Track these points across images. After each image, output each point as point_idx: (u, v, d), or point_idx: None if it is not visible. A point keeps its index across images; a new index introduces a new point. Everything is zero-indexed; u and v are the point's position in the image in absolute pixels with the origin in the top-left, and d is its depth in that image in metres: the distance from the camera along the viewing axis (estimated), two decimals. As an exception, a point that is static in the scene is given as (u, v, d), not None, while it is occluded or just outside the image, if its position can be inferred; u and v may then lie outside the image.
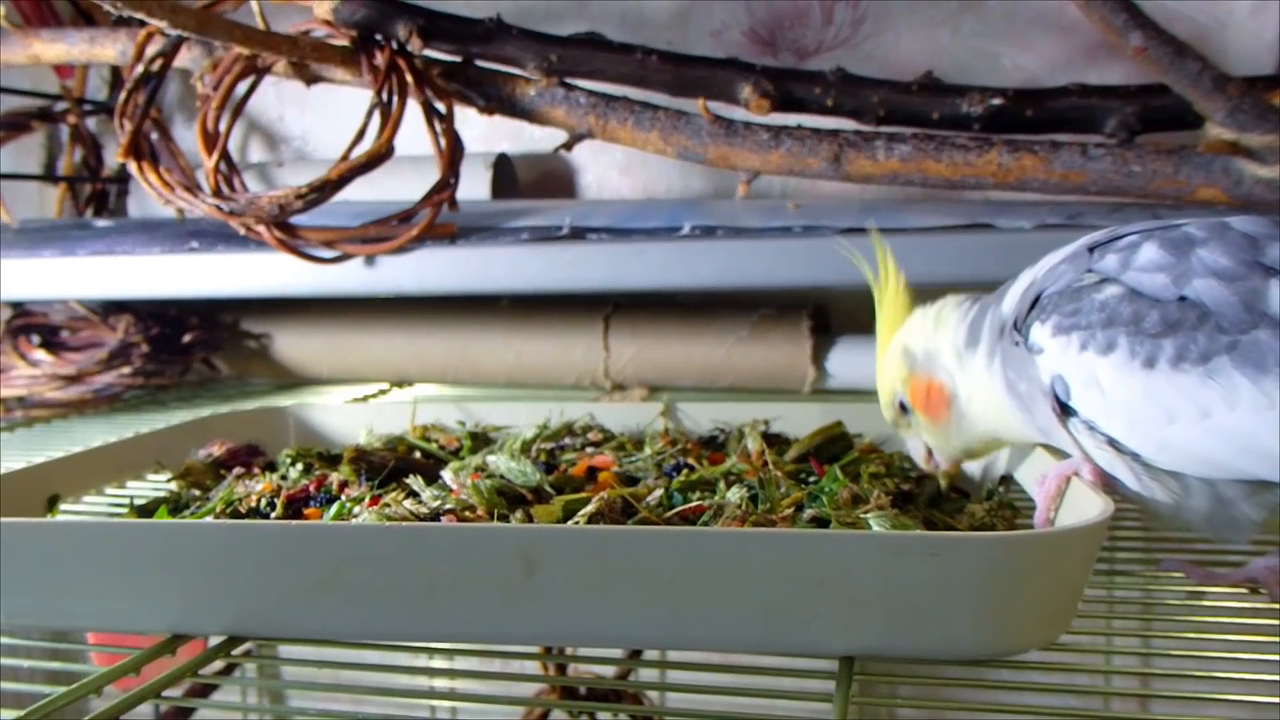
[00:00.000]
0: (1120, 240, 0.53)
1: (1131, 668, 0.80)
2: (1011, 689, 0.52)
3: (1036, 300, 0.54)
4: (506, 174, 1.17)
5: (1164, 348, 0.49)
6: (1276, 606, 0.54)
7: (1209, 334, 0.48)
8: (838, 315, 1.13)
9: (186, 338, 1.14)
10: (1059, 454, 0.58)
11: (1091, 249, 0.54)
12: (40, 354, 1.07)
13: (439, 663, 1.12)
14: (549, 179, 1.22)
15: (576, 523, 0.53)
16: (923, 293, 0.66)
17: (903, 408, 0.63)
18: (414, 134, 0.91)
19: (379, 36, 0.89)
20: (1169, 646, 0.54)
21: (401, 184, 1.00)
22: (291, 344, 1.17)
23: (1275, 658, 0.49)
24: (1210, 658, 0.51)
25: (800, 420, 0.78)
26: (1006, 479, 0.67)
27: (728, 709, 0.47)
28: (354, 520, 0.56)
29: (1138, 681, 0.98)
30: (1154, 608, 0.57)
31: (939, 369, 0.61)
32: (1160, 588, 0.59)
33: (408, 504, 0.56)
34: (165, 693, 0.48)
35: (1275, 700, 0.47)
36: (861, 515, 0.53)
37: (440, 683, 1.13)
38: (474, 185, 1.09)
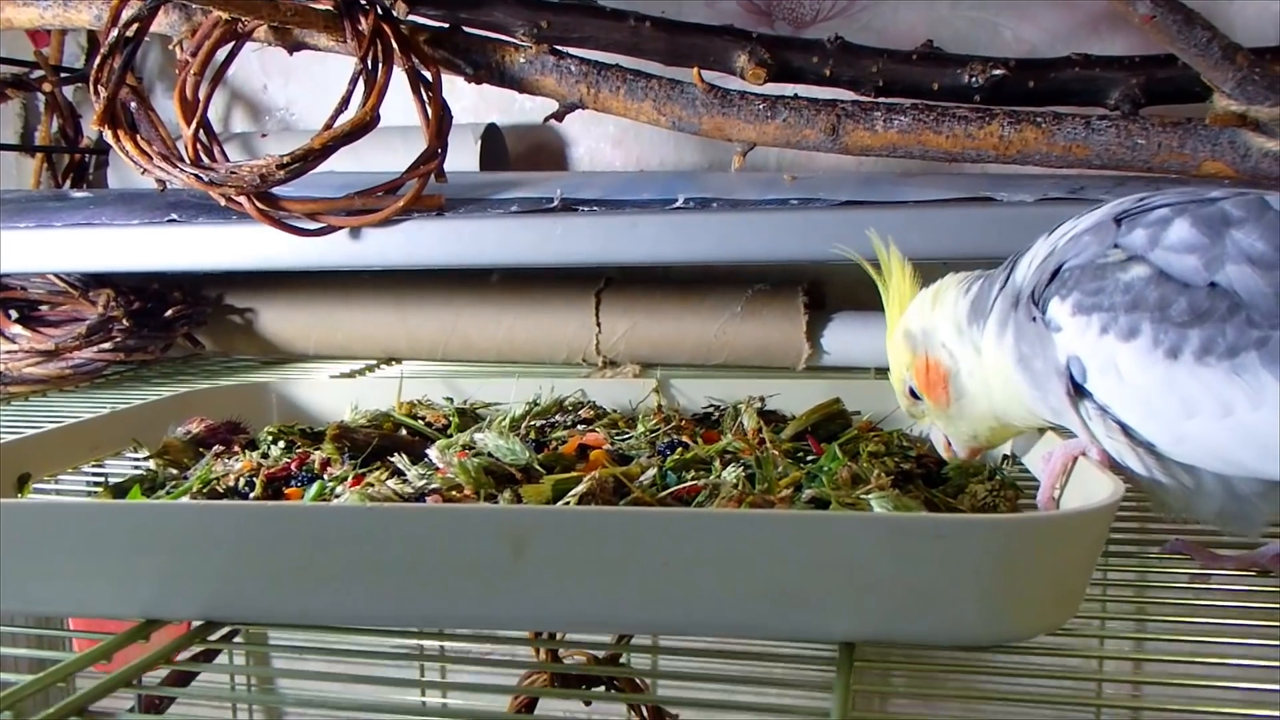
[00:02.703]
0: (1150, 213, 0.50)
1: (1125, 652, 0.79)
2: (1002, 673, 0.51)
3: (1056, 273, 0.52)
4: (496, 145, 1.14)
5: (1190, 338, 0.46)
6: (1273, 590, 0.53)
7: (1239, 327, 0.45)
8: (833, 291, 1.11)
9: (169, 312, 1.11)
10: (1067, 435, 0.57)
11: (1119, 220, 0.51)
12: (18, 329, 1.05)
13: (429, 645, 1.11)
14: (540, 151, 1.19)
15: (566, 503, 0.51)
16: (922, 268, 0.65)
17: (914, 394, 0.62)
18: (402, 104, 0.88)
19: (363, 0, 0.86)
20: (1163, 631, 0.53)
21: (390, 155, 0.98)
22: (277, 319, 1.15)
23: (1271, 643, 0.48)
24: (1205, 642, 0.50)
25: (796, 397, 0.76)
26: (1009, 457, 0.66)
27: (719, 696, 0.45)
28: (335, 500, 0.54)
29: (1130, 666, 0.96)
30: (1148, 590, 0.56)
31: (935, 346, 0.59)
32: (1154, 570, 0.58)
33: (392, 484, 0.54)
34: (143, 679, 0.46)
35: (1270, 687, 0.45)
36: (862, 496, 0.51)
37: (431, 667, 1.11)
38: (463, 157, 1.07)
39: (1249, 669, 0.47)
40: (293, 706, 1.19)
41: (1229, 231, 0.47)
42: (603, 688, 0.80)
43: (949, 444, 0.64)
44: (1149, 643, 0.53)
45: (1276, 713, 0.42)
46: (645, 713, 0.84)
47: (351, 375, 1.06)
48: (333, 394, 0.81)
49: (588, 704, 0.87)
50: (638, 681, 0.81)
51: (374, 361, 1.13)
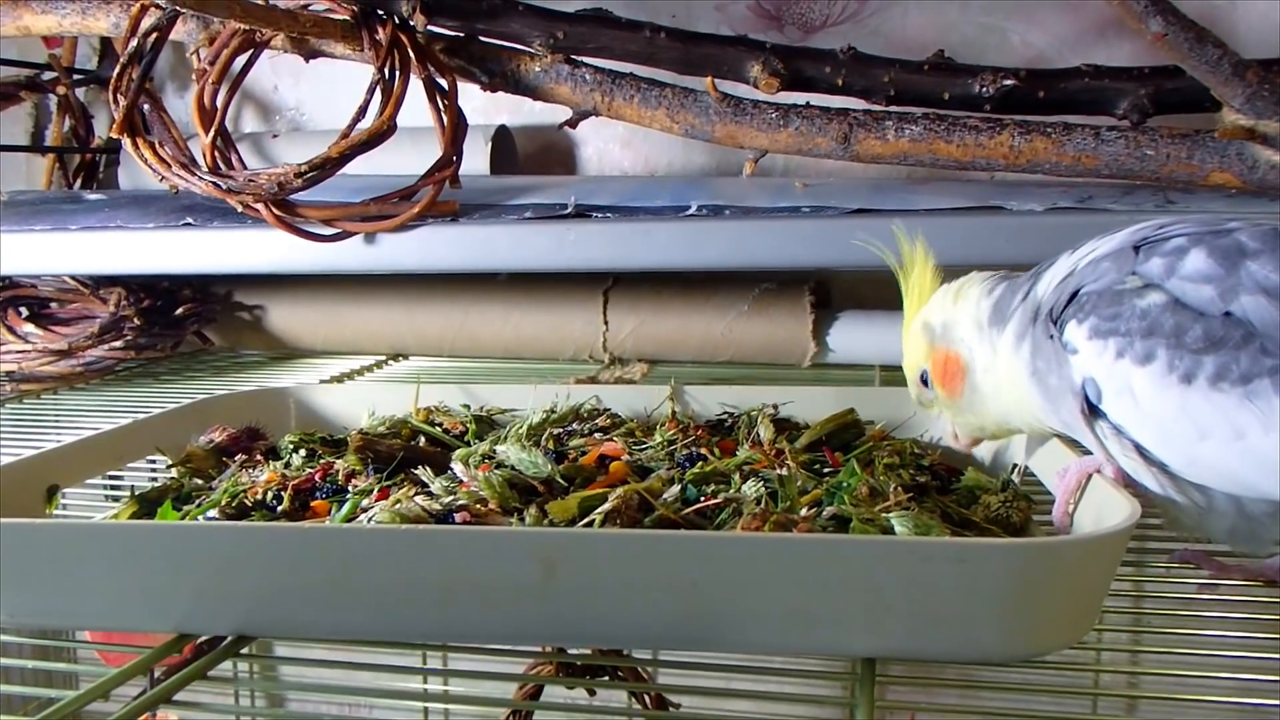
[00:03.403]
0: (1168, 242, 0.51)
1: (1120, 665, 0.80)
2: (996, 689, 0.52)
3: (1075, 295, 0.53)
4: (506, 147, 1.15)
5: (1204, 365, 0.47)
6: (1270, 601, 0.54)
7: (1252, 355, 0.47)
8: (839, 290, 1.13)
9: (179, 310, 1.12)
10: (1076, 446, 0.58)
11: (1137, 247, 0.52)
12: (30, 327, 1.05)
13: (434, 662, 1.12)
14: (548, 152, 1.20)
15: (592, 521, 0.52)
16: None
17: (925, 383, 0.63)
18: (413, 106, 0.89)
19: (380, 11, 0.87)
20: (1159, 644, 0.54)
21: (400, 156, 0.98)
22: (285, 316, 1.16)
23: (1269, 656, 0.49)
24: (1200, 654, 0.51)
25: (807, 403, 0.77)
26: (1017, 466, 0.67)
27: (721, 711, 0.46)
28: (365, 516, 0.55)
29: (1125, 680, 0.97)
30: (1144, 601, 0.57)
31: (955, 340, 0.60)
32: (1151, 580, 0.59)
33: (419, 500, 0.55)
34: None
35: (1270, 702, 0.47)
36: (882, 514, 0.52)
37: (434, 682, 1.12)
38: (473, 158, 1.07)
39: (1245, 683, 0.49)
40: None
41: (1244, 263, 0.48)
42: (605, 677, 0.81)
43: (955, 433, 0.65)
44: (1144, 655, 0.54)
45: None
46: (648, 701, 0.85)
47: (361, 371, 1.07)
48: (349, 399, 0.82)
49: (592, 694, 0.88)
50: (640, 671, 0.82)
51: (382, 357, 1.14)
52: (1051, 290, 0.55)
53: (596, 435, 0.72)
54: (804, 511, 0.53)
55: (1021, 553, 0.44)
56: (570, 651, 0.60)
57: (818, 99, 0.90)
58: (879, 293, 1.10)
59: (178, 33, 0.91)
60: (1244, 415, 0.47)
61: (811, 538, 0.48)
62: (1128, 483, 0.53)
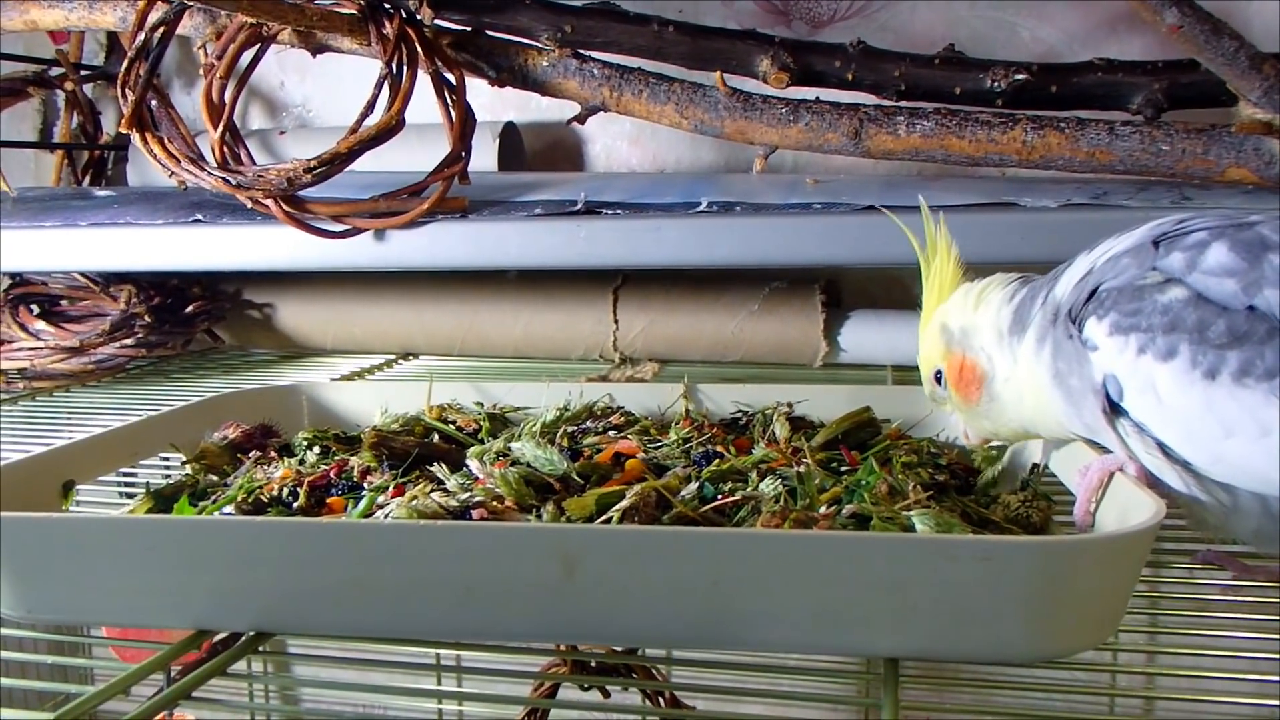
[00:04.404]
0: (1189, 236, 0.50)
1: (1137, 665, 0.79)
2: (1012, 688, 0.51)
3: (1094, 292, 0.52)
4: (513, 143, 1.15)
5: (1228, 360, 0.47)
6: None
7: (1277, 350, 0.46)
8: (849, 289, 1.12)
9: (189, 308, 1.12)
10: (1101, 450, 0.57)
11: (1157, 242, 0.52)
12: (41, 325, 1.05)
13: (447, 660, 1.12)
14: (556, 149, 1.20)
15: (610, 519, 0.52)
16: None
17: (939, 381, 0.62)
18: (420, 102, 0.88)
19: (388, 5, 0.86)
20: (1175, 645, 0.54)
21: (406, 153, 0.98)
22: (295, 314, 1.16)
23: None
24: (1218, 656, 0.51)
25: (820, 401, 0.77)
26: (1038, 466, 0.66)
27: (736, 712, 0.46)
28: (382, 512, 0.55)
29: (1142, 680, 0.97)
30: (1162, 601, 0.57)
31: (973, 348, 0.60)
32: (1168, 581, 0.58)
33: (436, 496, 0.55)
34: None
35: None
36: (903, 513, 0.52)
37: (448, 681, 1.12)
38: (480, 155, 1.07)
39: (1264, 684, 0.48)
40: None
41: (1267, 255, 0.48)
42: (619, 676, 0.80)
43: (965, 431, 0.65)
44: (1162, 656, 0.53)
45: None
46: (662, 702, 0.85)
47: (370, 370, 1.06)
48: (361, 396, 0.82)
49: (606, 696, 0.88)
50: (654, 670, 0.82)
51: (391, 356, 1.14)
52: (1070, 289, 0.54)
53: (611, 433, 0.72)
54: (823, 509, 0.53)
55: (1048, 551, 0.44)
56: (583, 650, 0.60)
57: (827, 94, 0.89)
58: (890, 292, 1.10)
59: (184, 27, 0.90)
60: (1270, 412, 0.46)
61: (836, 535, 0.48)
62: (1151, 482, 0.52)
